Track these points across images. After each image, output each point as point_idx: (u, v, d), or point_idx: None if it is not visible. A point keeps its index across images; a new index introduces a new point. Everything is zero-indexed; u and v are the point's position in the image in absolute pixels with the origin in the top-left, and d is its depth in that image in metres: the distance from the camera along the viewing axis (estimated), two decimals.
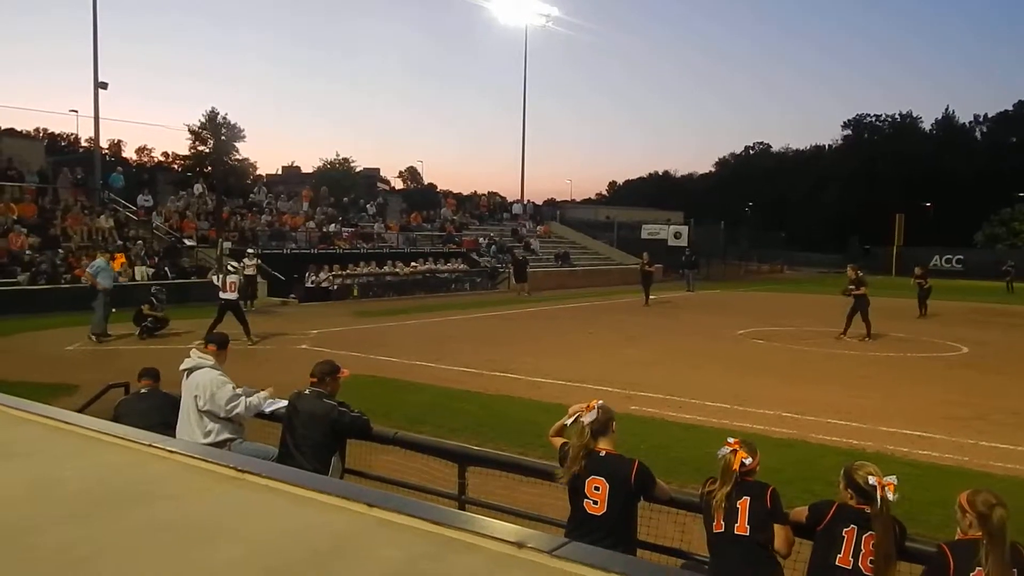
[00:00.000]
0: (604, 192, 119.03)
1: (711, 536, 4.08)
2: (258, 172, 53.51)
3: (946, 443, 8.91)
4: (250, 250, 24.55)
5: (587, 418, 4.33)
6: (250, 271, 23.44)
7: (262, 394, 6.02)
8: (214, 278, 16.53)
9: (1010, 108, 77.44)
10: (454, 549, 1.96)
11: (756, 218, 73.16)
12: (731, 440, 4.18)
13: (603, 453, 4.30)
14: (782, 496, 4.10)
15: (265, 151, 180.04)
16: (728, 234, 49.70)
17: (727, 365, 14.35)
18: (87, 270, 15.96)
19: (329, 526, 2.14)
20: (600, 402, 4.46)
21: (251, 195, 34.79)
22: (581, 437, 4.31)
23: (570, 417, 4.45)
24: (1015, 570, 3.33)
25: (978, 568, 3.32)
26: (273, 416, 5.90)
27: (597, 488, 4.22)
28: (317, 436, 5.39)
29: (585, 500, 4.24)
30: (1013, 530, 3.48)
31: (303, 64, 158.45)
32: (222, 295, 15.70)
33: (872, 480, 3.72)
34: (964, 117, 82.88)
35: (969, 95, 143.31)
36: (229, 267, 16.22)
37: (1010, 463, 8.11)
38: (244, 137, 38.87)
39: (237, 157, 39.46)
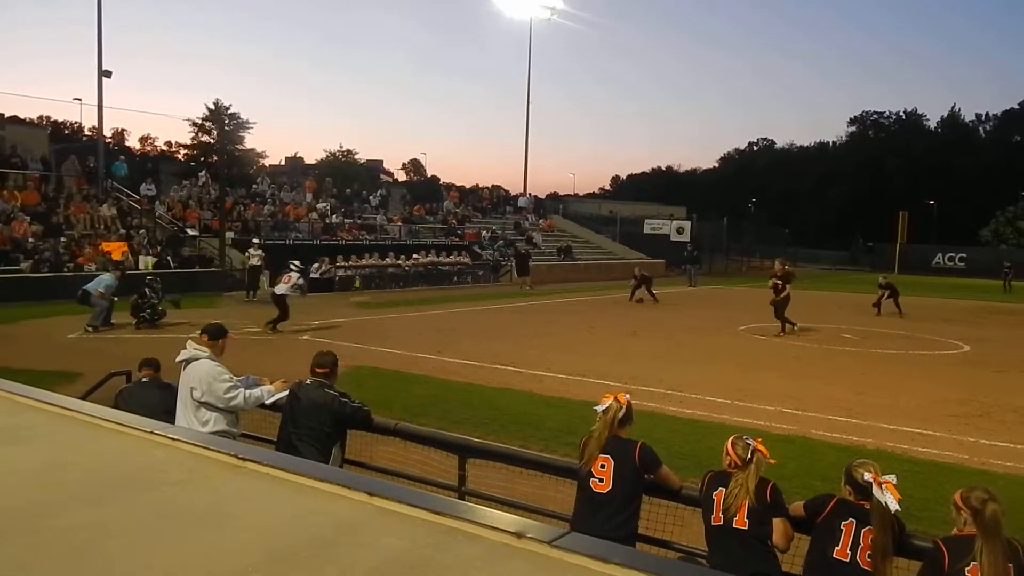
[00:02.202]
0: (607, 186, 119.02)
1: (709, 529, 4.12)
2: (263, 162, 53.53)
3: (946, 440, 8.93)
4: (255, 240, 24.59)
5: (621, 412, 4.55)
6: (255, 261, 23.50)
7: (269, 388, 6.01)
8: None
9: (1016, 106, 77.23)
10: (454, 538, 1.97)
11: (760, 214, 73.12)
12: (749, 438, 4.24)
13: (612, 436, 4.48)
14: (782, 491, 4.13)
15: (269, 141, 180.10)
16: (731, 230, 49.69)
17: (728, 360, 14.36)
18: (100, 288, 15.99)
19: (330, 514, 2.16)
20: (627, 396, 4.66)
21: (254, 185, 34.81)
22: (608, 428, 4.49)
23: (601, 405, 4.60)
24: (1011, 565, 3.35)
25: (973, 563, 3.34)
26: (274, 406, 5.91)
27: (603, 466, 4.39)
28: (318, 426, 5.41)
29: (591, 479, 4.36)
30: (1010, 527, 3.50)
31: (308, 55, 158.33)
32: (276, 290, 16.49)
33: (867, 476, 3.76)
34: (969, 115, 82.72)
35: (975, 93, 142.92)
36: (292, 266, 16.93)
37: (1010, 461, 8.12)
38: (250, 128, 38.96)
39: (242, 147, 39.48)
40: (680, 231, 44.17)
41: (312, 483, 2.35)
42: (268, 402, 5.97)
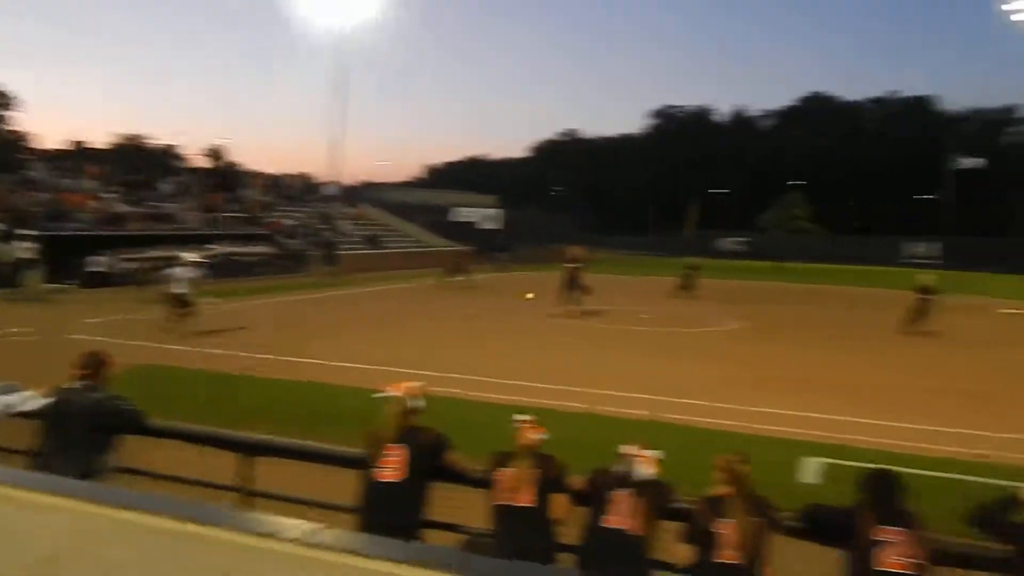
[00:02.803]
0: (420, 175, 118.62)
1: (494, 508, 4.19)
2: (35, 144, 48.48)
3: (720, 409, 9.68)
4: (23, 231, 22.16)
5: (412, 401, 4.57)
6: (24, 254, 21.22)
7: (25, 393, 5.41)
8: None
9: (796, 103, 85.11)
10: (197, 543, 1.83)
11: (569, 202, 75.99)
12: (523, 417, 4.34)
13: (404, 425, 4.48)
14: (567, 466, 4.28)
15: (52, 125, 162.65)
16: (541, 217, 51.26)
17: (530, 344, 14.81)
18: None
19: (53, 529, 1.94)
20: (418, 384, 4.73)
21: (25, 170, 31.41)
22: (399, 417, 4.48)
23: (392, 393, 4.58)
24: (763, 520, 3.70)
25: (727, 520, 3.66)
26: (33, 414, 5.33)
27: (393, 455, 4.32)
28: (85, 433, 4.95)
29: (381, 469, 4.31)
30: (767, 484, 3.84)
31: (100, 35, 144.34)
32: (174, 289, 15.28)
33: (627, 449, 4.00)
34: (755, 110, 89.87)
35: (760, 90, 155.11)
36: (184, 259, 16.02)
37: (775, 425, 8.98)
38: (12, 105, 34.96)
39: (6, 128, 35.47)
40: (490, 219, 45.01)
41: (33, 496, 2.11)
42: (25, 410, 5.39)
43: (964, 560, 3.72)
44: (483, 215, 45.79)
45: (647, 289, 27.73)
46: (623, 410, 9.45)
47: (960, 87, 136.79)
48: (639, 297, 24.84)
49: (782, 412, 9.68)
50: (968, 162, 57.70)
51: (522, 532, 4.09)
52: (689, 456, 6.16)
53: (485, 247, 40.49)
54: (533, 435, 4.23)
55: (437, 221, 47.40)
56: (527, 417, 4.36)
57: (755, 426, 8.89)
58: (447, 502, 4.67)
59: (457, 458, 4.60)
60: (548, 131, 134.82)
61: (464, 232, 44.47)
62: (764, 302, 24.65)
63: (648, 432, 7.55)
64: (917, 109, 76.76)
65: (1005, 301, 25.32)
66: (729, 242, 57.75)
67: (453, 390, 10.14)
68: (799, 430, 8.75)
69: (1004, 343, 16.87)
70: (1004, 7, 48.89)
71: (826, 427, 8.94)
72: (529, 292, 18.58)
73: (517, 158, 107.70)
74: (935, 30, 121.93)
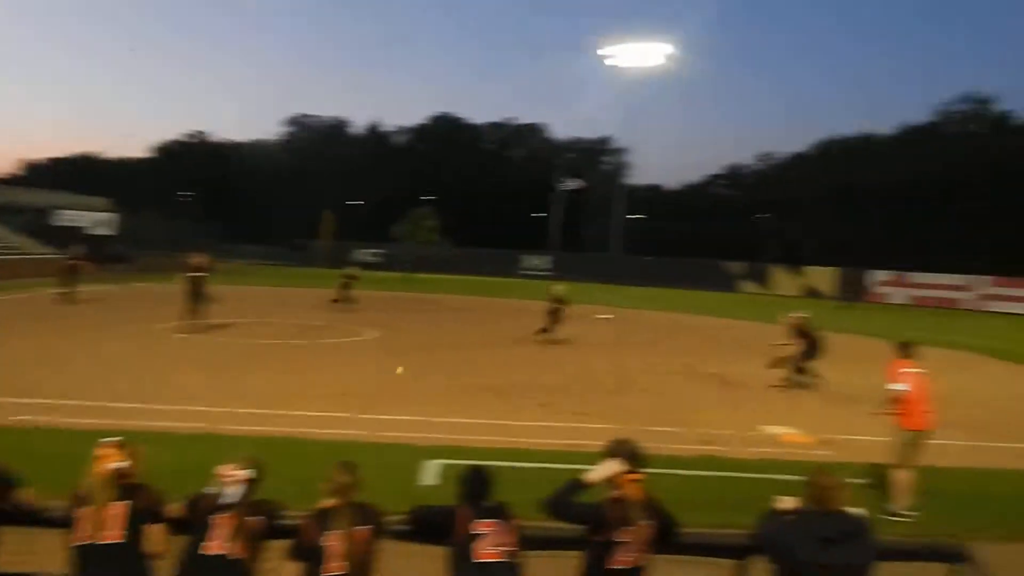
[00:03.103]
0: (16, 171, 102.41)
1: (75, 548, 3.71)
2: None
3: (344, 420, 9.73)
4: None
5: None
6: None
7: None
8: None
9: (427, 121, 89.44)
10: None
11: (195, 208, 71.40)
12: (105, 441, 3.94)
13: None
14: (176, 492, 3.97)
15: None
16: (163, 223, 47.42)
17: (145, 362, 13.61)
18: None
19: None
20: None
21: None
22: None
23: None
24: (372, 527, 3.75)
25: (333, 531, 3.65)
26: None
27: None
28: None
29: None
30: (389, 491, 3.86)
31: None
32: None
33: (221, 470, 3.85)
34: (390, 125, 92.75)
35: (394, 106, 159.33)
36: None
37: (403, 431, 9.24)
38: None
39: None
40: (103, 223, 40.48)
41: None
42: None
43: (546, 543, 4.12)
44: (94, 219, 40.86)
45: (282, 300, 27.08)
46: (243, 427, 9.03)
47: (566, 118, 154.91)
48: (271, 308, 24.15)
49: (409, 418, 10.00)
50: (571, 184, 65.72)
51: (110, 571, 3.67)
52: (305, 470, 6.04)
53: (97, 255, 36.25)
54: (113, 463, 3.79)
55: (36, 224, 41.37)
56: (111, 442, 3.90)
57: (382, 434, 9.04)
58: (19, 547, 4.12)
59: (28, 496, 4.01)
60: (175, 131, 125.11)
61: (70, 238, 39.38)
62: (398, 311, 25.50)
63: (267, 449, 7.30)
64: (530, 135, 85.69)
65: (601, 308, 29.18)
66: (364, 253, 58.73)
67: (40, 417, 8.93)
68: (425, 435, 9.09)
69: (604, 343, 19.35)
70: (599, 52, 57.10)
71: (449, 430, 9.43)
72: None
73: (136, 158, 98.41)
74: (547, 65, 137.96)
